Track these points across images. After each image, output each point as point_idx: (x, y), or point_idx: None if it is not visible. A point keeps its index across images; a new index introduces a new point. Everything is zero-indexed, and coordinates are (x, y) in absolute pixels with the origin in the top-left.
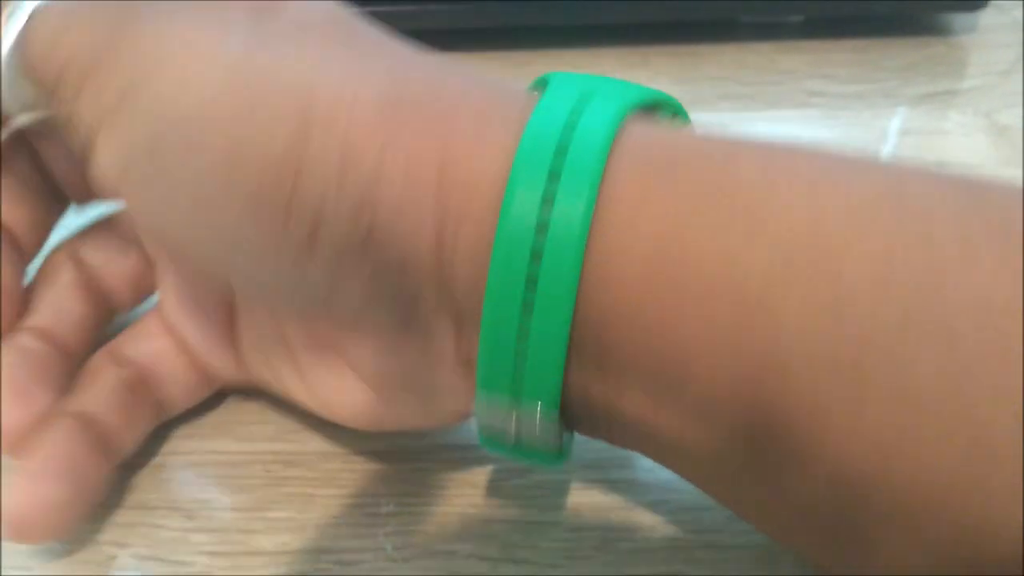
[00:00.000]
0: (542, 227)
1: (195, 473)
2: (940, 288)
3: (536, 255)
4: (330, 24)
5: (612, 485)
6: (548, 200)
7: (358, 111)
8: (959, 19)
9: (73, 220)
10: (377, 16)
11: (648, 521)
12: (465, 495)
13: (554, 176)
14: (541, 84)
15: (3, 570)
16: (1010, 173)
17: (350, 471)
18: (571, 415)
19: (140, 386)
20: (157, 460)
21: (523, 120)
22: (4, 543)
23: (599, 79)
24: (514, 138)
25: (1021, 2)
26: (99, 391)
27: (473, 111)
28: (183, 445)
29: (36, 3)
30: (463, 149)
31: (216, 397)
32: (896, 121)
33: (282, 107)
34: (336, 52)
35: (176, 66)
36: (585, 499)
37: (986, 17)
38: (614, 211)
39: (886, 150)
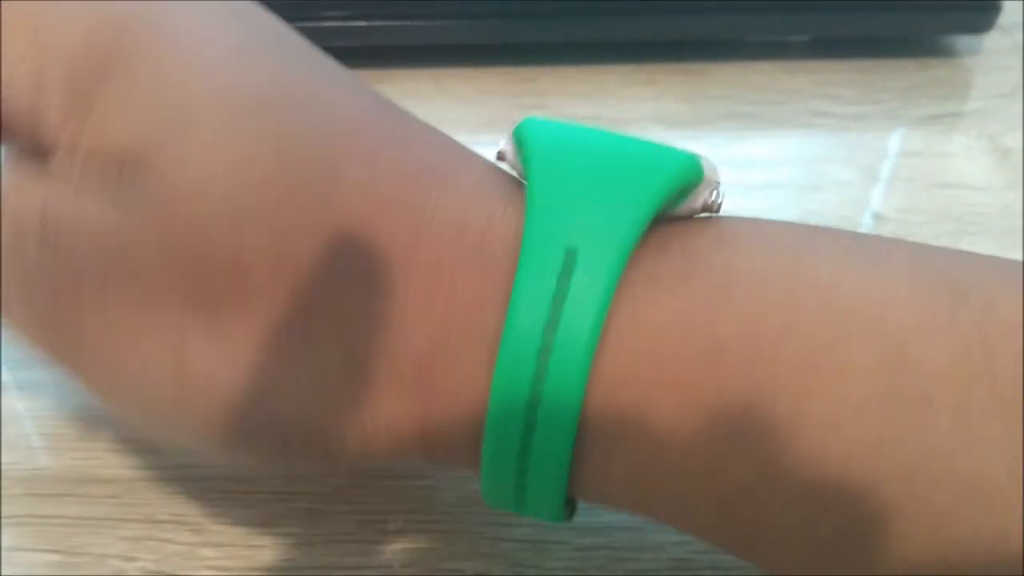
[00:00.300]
0: (520, 490)
1: (203, 487)
2: (930, 471)
3: (520, 501)
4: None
5: None
6: (524, 452)
7: (332, 427)
8: (963, 41)
9: None
10: (384, 31)
11: (654, 541)
12: (473, 513)
13: (529, 428)
14: (520, 139)
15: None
16: (1013, 196)
17: (358, 488)
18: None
19: None
20: (165, 474)
21: (493, 357)
22: (4, 549)
23: (587, 185)
24: (485, 389)
25: None
26: None
27: (443, 368)
28: (192, 459)
29: None
30: (438, 413)
31: None
32: (900, 143)
33: (264, 437)
34: (291, 340)
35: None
36: (592, 518)
37: (990, 40)
38: (592, 449)
39: (888, 172)
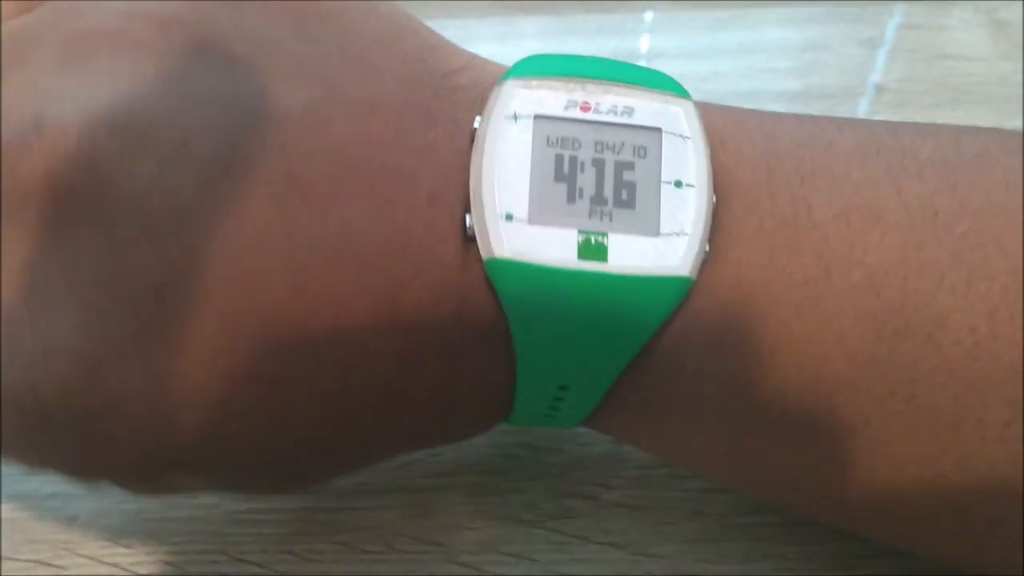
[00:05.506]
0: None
1: None
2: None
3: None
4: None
5: None
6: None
7: None
8: None
9: None
10: None
11: None
12: None
13: None
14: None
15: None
16: (1008, 66)
17: None
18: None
19: None
20: None
21: None
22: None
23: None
24: None
25: None
26: None
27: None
28: None
29: None
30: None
31: None
32: (900, 16)
33: None
34: None
35: None
36: None
37: None
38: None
39: (889, 44)
